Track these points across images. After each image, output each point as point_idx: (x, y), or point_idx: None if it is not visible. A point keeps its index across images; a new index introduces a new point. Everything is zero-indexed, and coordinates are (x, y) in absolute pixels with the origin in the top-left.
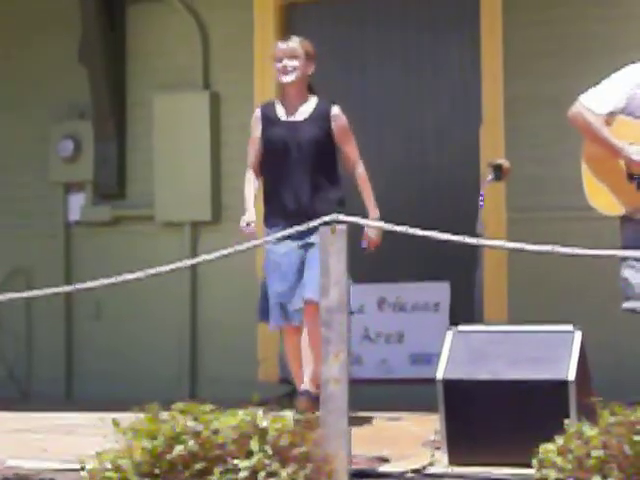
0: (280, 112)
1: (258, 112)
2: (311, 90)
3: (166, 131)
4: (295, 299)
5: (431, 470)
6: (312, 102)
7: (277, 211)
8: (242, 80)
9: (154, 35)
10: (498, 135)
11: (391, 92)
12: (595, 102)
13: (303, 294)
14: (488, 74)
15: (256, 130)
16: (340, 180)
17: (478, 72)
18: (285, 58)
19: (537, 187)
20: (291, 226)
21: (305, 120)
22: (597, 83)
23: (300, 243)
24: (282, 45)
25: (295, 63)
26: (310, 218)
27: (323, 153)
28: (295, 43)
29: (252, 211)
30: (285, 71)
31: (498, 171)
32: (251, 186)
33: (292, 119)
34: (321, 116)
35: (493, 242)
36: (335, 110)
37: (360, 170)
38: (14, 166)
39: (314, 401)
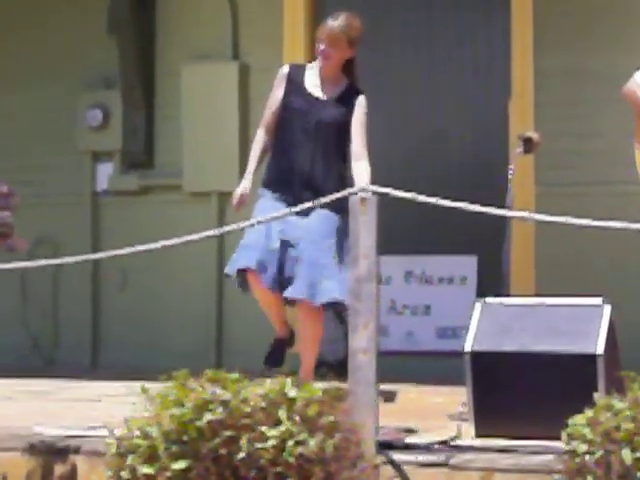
0: (308, 81)
1: (286, 70)
2: (351, 73)
3: (195, 101)
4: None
5: (458, 442)
6: (343, 85)
7: (280, 180)
8: (271, 51)
9: (184, 5)
10: (527, 108)
11: (418, 65)
12: None
13: (296, 291)
14: (518, 47)
15: (278, 89)
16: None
17: (508, 45)
18: (324, 42)
19: (566, 161)
20: (290, 197)
21: (330, 100)
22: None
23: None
24: (328, 25)
25: (333, 51)
26: (312, 193)
27: (339, 137)
28: (340, 29)
29: (248, 181)
30: (322, 56)
31: (528, 144)
32: (258, 148)
33: (318, 95)
34: (347, 100)
35: (533, 215)
36: (361, 100)
37: (360, 163)
38: (42, 135)
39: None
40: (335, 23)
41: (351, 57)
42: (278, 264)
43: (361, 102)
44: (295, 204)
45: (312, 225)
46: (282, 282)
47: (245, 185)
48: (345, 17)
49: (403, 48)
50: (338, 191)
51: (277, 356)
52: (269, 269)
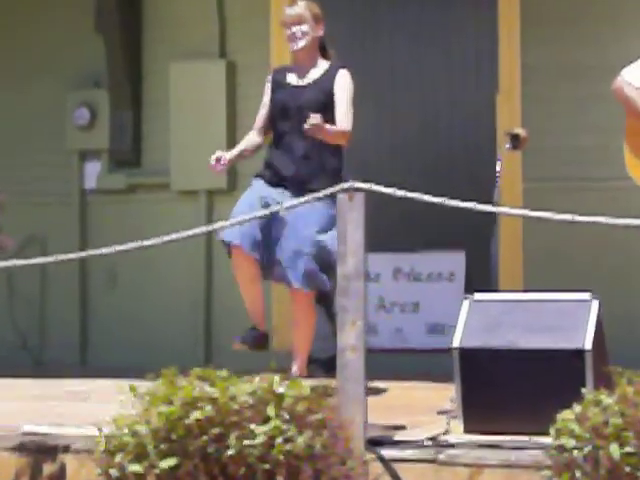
0: (290, 77)
1: (270, 76)
2: (325, 51)
3: (182, 100)
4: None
5: (447, 438)
6: (323, 66)
7: (270, 172)
8: (258, 49)
9: (171, 3)
10: (515, 104)
11: (406, 59)
12: (635, 75)
13: (290, 281)
14: (505, 42)
15: (266, 94)
16: (341, 149)
17: (495, 40)
18: (293, 25)
19: (553, 157)
20: (276, 177)
21: (311, 84)
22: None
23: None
24: (289, 11)
25: (304, 28)
26: (299, 184)
27: (325, 118)
28: (301, 8)
29: (232, 152)
30: (294, 38)
31: (515, 140)
32: (245, 139)
33: (298, 83)
34: (328, 79)
35: (518, 211)
36: (342, 72)
37: (343, 126)
38: (30, 134)
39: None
40: (294, 6)
41: (321, 38)
42: (260, 232)
43: (342, 74)
44: (280, 183)
45: (297, 217)
46: (264, 259)
47: (225, 152)
48: (301, 1)
49: (393, 41)
50: (325, 171)
51: (251, 340)
52: (251, 237)
